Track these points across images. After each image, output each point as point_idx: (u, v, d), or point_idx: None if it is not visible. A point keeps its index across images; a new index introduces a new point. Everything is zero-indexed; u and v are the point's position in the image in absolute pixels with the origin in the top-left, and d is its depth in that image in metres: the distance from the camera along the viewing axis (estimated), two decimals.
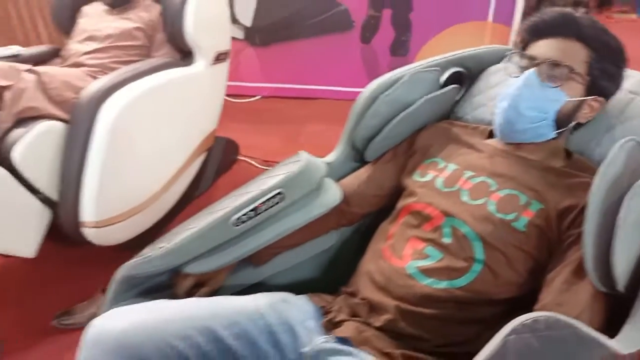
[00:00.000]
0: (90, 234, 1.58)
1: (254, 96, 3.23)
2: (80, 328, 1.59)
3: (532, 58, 0.93)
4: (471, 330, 0.87)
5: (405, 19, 2.89)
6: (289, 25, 3.05)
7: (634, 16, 5.16)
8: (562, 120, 0.92)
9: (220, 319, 0.83)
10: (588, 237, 0.75)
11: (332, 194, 1.06)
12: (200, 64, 1.95)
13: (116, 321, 0.79)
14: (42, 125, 1.48)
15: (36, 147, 1.46)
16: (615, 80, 0.94)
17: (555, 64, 0.90)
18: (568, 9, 0.92)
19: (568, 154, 0.98)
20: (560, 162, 0.95)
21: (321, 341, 0.86)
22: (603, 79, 0.92)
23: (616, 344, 0.67)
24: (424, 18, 2.87)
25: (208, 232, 0.95)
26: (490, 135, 1.05)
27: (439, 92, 1.10)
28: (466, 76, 1.19)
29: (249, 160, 2.56)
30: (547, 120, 0.91)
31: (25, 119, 1.50)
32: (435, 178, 0.99)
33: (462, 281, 0.87)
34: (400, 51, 2.99)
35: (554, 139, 0.94)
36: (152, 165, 1.79)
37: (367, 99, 1.12)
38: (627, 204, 0.72)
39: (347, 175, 1.16)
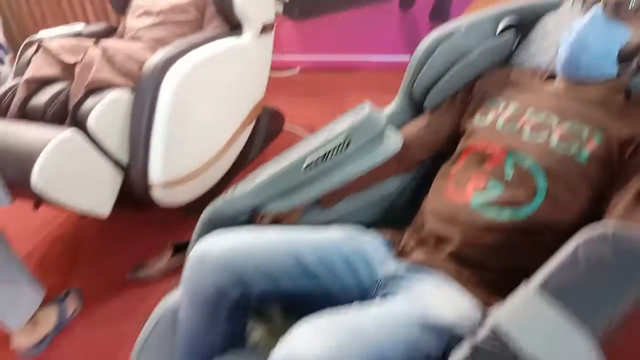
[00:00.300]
0: (158, 194, 1.70)
1: (292, 68, 3.30)
2: (152, 281, 1.74)
3: None
4: (533, 258, 0.91)
5: None
6: None
7: None
8: (625, 59, 0.95)
9: (306, 246, 0.91)
10: None
11: (394, 141, 1.12)
12: (249, 35, 2.03)
13: (219, 242, 0.89)
14: (112, 94, 1.59)
15: (108, 114, 1.57)
16: None
17: (620, 2, 0.93)
18: None
19: (627, 94, 1.00)
20: (621, 100, 0.98)
21: (394, 267, 0.93)
22: None
23: None
24: None
25: (281, 177, 1.03)
26: (548, 78, 1.08)
27: (495, 41, 1.14)
28: (522, 25, 1.22)
29: (294, 131, 2.64)
30: (611, 56, 0.95)
31: (94, 90, 1.62)
32: (497, 118, 1.03)
33: (524, 212, 0.92)
34: (440, 16, 2.98)
35: (615, 78, 0.97)
36: (210, 130, 1.89)
37: (426, 50, 1.17)
38: None
39: (405, 124, 1.21)
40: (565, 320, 0.65)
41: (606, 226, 0.72)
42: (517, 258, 0.91)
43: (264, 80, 2.26)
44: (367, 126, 1.07)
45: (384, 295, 0.89)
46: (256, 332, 0.96)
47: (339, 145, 1.05)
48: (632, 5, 0.92)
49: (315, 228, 0.98)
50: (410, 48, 3.13)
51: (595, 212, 0.91)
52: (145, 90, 1.62)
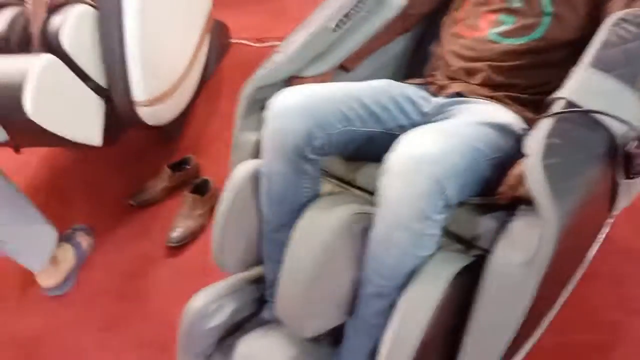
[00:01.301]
0: (144, 112, 1.65)
1: None
2: (154, 202, 1.74)
3: None
4: (548, 72, 1.06)
5: None
6: None
7: None
8: None
9: (363, 92, 0.99)
10: None
11: None
12: None
13: (297, 92, 0.93)
14: (76, 10, 1.48)
15: (78, 30, 1.47)
16: None
17: None
18: None
19: None
20: None
21: (439, 100, 1.04)
22: None
23: None
24: None
25: (315, 38, 1.07)
26: None
27: None
28: None
29: (243, 42, 2.59)
30: None
31: (54, 10, 1.49)
32: None
33: (536, 34, 1.05)
34: None
35: None
36: (176, 42, 1.83)
37: None
38: None
39: None
40: (618, 84, 0.79)
41: (624, 12, 0.86)
42: (537, 75, 1.06)
43: None
44: None
45: (440, 120, 1.00)
46: (326, 186, 1.04)
47: (358, 4, 1.10)
48: None
49: (361, 82, 1.05)
50: None
51: (592, 27, 1.04)
52: (108, 4, 1.53)
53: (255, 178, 1.00)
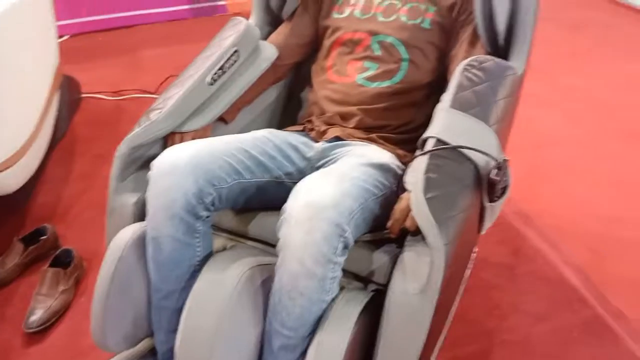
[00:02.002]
0: None
1: (62, 36, 2.94)
2: (6, 283, 1.51)
3: None
4: (412, 112, 1.18)
5: None
6: None
7: None
8: None
9: (247, 144, 0.99)
10: (477, 9, 1.09)
11: (270, 49, 1.24)
12: None
13: (183, 150, 0.90)
14: None
15: None
16: None
17: None
18: None
19: None
20: None
21: (320, 145, 1.09)
22: None
23: (515, 66, 1.05)
24: None
25: (191, 94, 1.05)
26: None
27: None
28: None
29: (97, 96, 2.44)
30: None
31: None
32: (353, 11, 1.24)
33: (397, 77, 1.17)
34: None
35: None
36: (24, 100, 1.65)
37: None
38: None
39: (266, 39, 1.32)
40: (475, 121, 0.91)
41: (470, 60, 1.01)
42: (403, 115, 1.17)
43: (54, 42, 2.03)
44: (249, 37, 1.16)
45: (325, 165, 1.04)
46: (218, 242, 1.01)
47: (231, 57, 1.12)
48: None
49: (244, 134, 1.06)
50: None
51: (442, 70, 1.20)
52: None
53: (139, 243, 0.93)
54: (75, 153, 2.10)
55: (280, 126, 1.34)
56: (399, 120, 1.16)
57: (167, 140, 1.07)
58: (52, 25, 2.00)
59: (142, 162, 1.05)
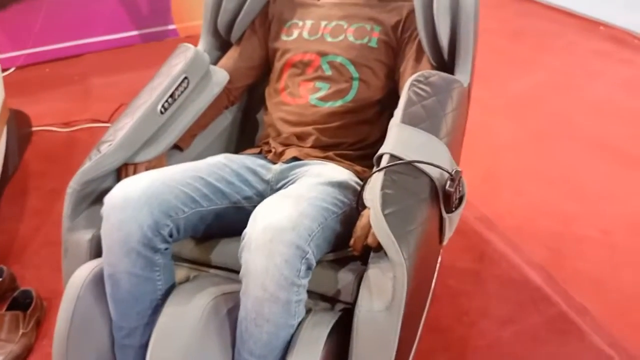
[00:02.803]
0: None
1: (7, 69, 2.84)
2: None
3: None
4: (366, 128, 1.20)
5: None
6: None
7: None
8: None
9: (203, 171, 0.98)
10: (420, 26, 1.13)
11: (221, 74, 1.23)
12: None
13: (134, 183, 0.88)
14: None
15: None
16: None
17: None
18: None
19: None
20: None
21: (277, 167, 1.08)
22: None
23: (461, 79, 1.08)
24: None
25: (142, 123, 1.03)
26: None
27: None
28: None
29: (48, 128, 2.36)
30: None
31: None
32: (301, 33, 1.25)
33: (349, 96, 1.19)
34: None
35: None
36: None
37: None
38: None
39: (216, 63, 1.32)
40: (427, 135, 0.93)
41: (416, 75, 1.03)
42: (357, 132, 1.19)
43: None
44: (198, 63, 1.15)
45: (284, 187, 1.03)
46: (180, 273, 0.98)
47: (180, 84, 1.11)
48: None
49: (200, 160, 1.04)
50: (136, 23, 3.08)
51: (392, 87, 1.22)
52: None
53: (97, 281, 0.90)
54: (28, 189, 2.02)
55: (237, 150, 1.33)
56: (354, 137, 1.17)
57: (120, 172, 1.05)
58: None
59: (95, 197, 1.02)
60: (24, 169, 2.14)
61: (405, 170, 0.87)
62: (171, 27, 3.17)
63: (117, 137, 1.00)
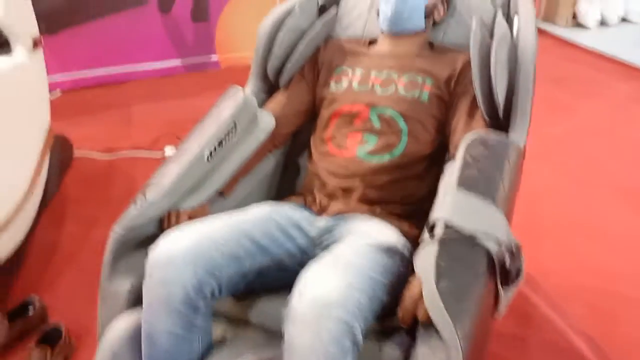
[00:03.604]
0: None
1: (54, 91, 2.92)
2: None
3: None
4: (414, 184, 1.16)
5: None
6: (74, 8, 2.84)
7: None
8: (427, 15, 1.25)
9: (250, 224, 0.95)
10: (476, 82, 1.09)
11: (268, 119, 1.22)
12: (20, 52, 1.77)
13: (180, 238, 0.86)
14: None
15: None
16: None
17: None
18: None
19: (431, 45, 1.32)
20: (429, 49, 1.29)
21: (323, 222, 1.05)
22: None
23: (517, 139, 1.04)
24: None
25: (190, 170, 1.02)
26: (370, 44, 1.33)
27: (330, 16, 1.34)
28: (327, 3, 1.43)
29: (88, 154, 2.40)
30: (420, 11, 1.23)
31: None
32: (351, 82, 1.23)
33: (398, 150, 1.15)
34: (202, 16, 3.08)
35: (422, 31, 1.27)
36: (11, 167, 1.60)
37: (269, 34, 1.29)
38: (493, 53, 1.08)
39: (262, 106, 1.31)
40: (484, 201, 0.88)
41: (473, 135, 0.99)
42: (405, 187, 1.14)
43: (47, 103, 2.00)
44: (247, 108, 1.14)
45: (326, 247, 1.00)
46: (217, 330, 0.95)
47: (230, 131, 1.09)
48: None
49: (246, 211, 1.02)
50: (180, 51, 3.15)
51: (442, 141, 1.19)
52: None
53: (134, 336, 0.87)
54: (65, 216, 2.04)
55: (279, 195, 1.31)
56: (401, 193, 1.13)
57: (163, 220, 1.03)
58: (44, 88, 1.98)
59: (136, 243, 1.00)
60: (63, 194, 2.16)
61: (461, 241, 0.82)
62: (214, 57, 3.22)
63: (163, 183, 0.99)
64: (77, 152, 2.40)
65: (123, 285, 0.95)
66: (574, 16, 3.95)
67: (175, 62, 3.16)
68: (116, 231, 0.95)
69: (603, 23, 3.92)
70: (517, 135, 1.08)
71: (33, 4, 2.04)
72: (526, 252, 1.71)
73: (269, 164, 1.30)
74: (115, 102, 2.90)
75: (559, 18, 3.98)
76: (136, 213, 0.95)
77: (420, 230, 1.08)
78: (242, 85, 1.42)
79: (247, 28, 3.09)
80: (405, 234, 1.05)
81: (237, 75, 3.05)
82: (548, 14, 4.06)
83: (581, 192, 2.09)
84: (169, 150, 2.34)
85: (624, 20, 3.94)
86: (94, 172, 2.32)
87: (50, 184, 2.06)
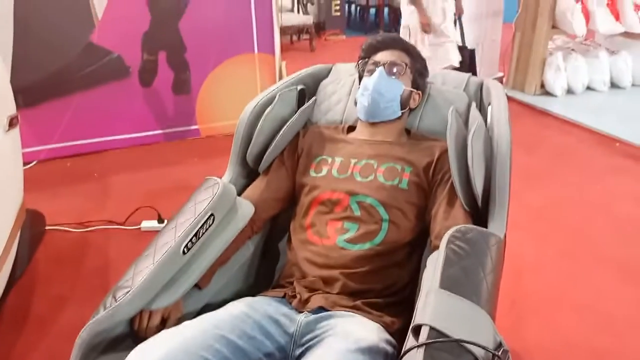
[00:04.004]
0: None
1: (29, 162, 2.87)
2: None
3: (376, 62, 1.28)
4: (395, 272, 1.14)
5: (181, 59, 3.05)
6: (56, 81, 2.87)
7: (343, 37, 6.43)
8: (403, 105, 1.29)
9: (225, 327, 0.91)
10: (454, 173, 1.10)
11: (247, 207, 1.20)
12: None
13: (152, 354, 0.81)
14: None
15: None
16: (424, 78, 1.36)
17: (394, 64, 1.28)
18: (394, 34, 1.33)
19: (407, 131, 1.35)
20: (406, 137, 1.32)
21: (302, 318, 1.01)
22: (419, 77, 1.33)
23: (496, 231, 1.04)
24: (198, 56, 3.07)
25: (164, 267, 0.98)
26: (349, 130, 1.35)
27: (307, 104, 1.36)
28: (307, 91, 1.47)
29: (60, 228, 2.33)
30: (396, 102, 1.27)
31: None
32: (330, 170, 1.23)
33: (378, 239, 1.14)
34: (183, 89, 3.13)
35: (398, 118, 1.30)
36: None
37: (249, 120, 1.30)
38: (470, 145, 1.10)
39: (242, 191, 1.30)
40: (468, 303, 0.87)
41: (454, 231, 0.99)
42: (385, 277, 1.13)
43: (21, 180, 1.96)
44: (224, 199, 1.12)
45: (308, 348, 0.96)
46: None
47: (206, 222, 1.07)
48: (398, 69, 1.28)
49: (220, 311, 0.99)
50: (161, 123, 3.17)
51: (422, 228, 1.19)
52: None
53: None
54: (33, 294, 1.95)
55: (258, 282, 1.27)
56: (383, 282, 1.11)
57: (135, 318, 0.98)
58: (18, 165, 1.95)
59: (105, 346, 0.94)
60: (32, 271, 2.08)
61: (447, 348, 0.79)
62: (194, 127, 3.25)
63: (135, 283, 0.94)
64: (50, 226, 2.33)
65: None
66: (542, 85, 4.14)
67: (155, 132, 3.17)
68: (82, 337, 0.90)
69: (569, 91, 4.12)
70: (497, 225, 1.09)
71: (13, 77, 2.05)
72: (511, 327, 1.70)
73: (248, 250, 1.27)
74: (93, 172, 2.86)
75: (527, 86, 4.17)
76: (104, 316, 0.90)
77: (402, 320, 1.06)
78: (222, 152, 1.41)
79: (227, 99, 3.16)
80: (387, 326, 1.03)
81: (217, 143, 3.09)
82: (517, 82, 4.25)
83: (565, 265, 2.09)
84: (146, 225, 2.30)
85: (588, 88, 4.14)
86: (65, 246, 2.24)
87: (19, 260, 1.98)
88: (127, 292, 0.93)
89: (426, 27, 3.23)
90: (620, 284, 1.97)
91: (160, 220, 2.28)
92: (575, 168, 2.98)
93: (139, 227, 2.31)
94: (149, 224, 2.29)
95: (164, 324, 1.00)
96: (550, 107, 3.83)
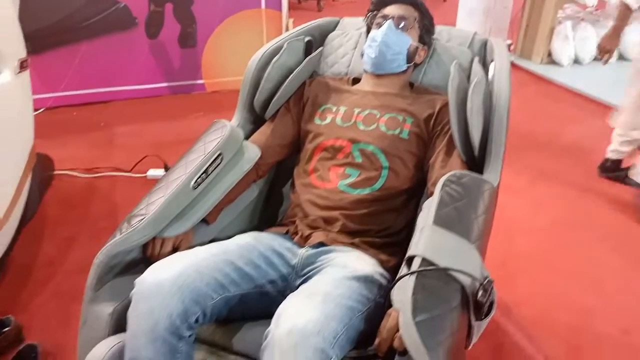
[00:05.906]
0: None
1: (37, 110, 2.90)
2: None
3: (385, 16, 1.31)
4: (392, 217, 1.20)
5: (188, 12, 3.04)
6: (62, 29, 2.87)
7: None
8: (409, 59, 1.32)
9: (233, 254, 0.98)
10: (453, 124, 1.15)
11: (253, 150, 1.25)
12: (7, 74, 1.79)
13: (168, 269, 0.88)
14: None
15: None
16: (431, 34, 1.39)
17: (402, 18, 1.30)
18: None
19: (411, 84, 1.38)
20: (409, 89, 1.35)
21: (304, 252, 1.08)
22: (426, 32, 1.36)
23: (491, 179, 1.09)
24: (205, 9, 3.06)
25: (175, 199, 1.04)
26: (354, 82, 1.39)
27: (314, 54, 1.39)
28: (314, 43, 1.50)
29: (69, 173, 2.39)
30: (402, 55, 1.31)
31: None
32: (334, 118, 1.28)
33: (378, 184, 1.20)
34: (189, 42, 3.13)
35: (403, 72, 1.34)
36: None
37: (258, 67, 1.33)
38: (470, 98, 1.14)
39: (249, 137, 1.35)
40: (460, 239, 0.93)
41: (449, 175, 1.04)
42: (383, 220, 1.19)
43: (31, 123, 2.01)
44: (232, 141, 1.18)
45: (308, 278, 1.03)
46: (198, 354, 0.96)
47: (215, 161, 1.13)
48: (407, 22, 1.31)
49: (230, 240, 1.05)
50: (166, 76, 3.18)
51: (420, 177, 1.24)
52: None
53: None
54: (43, 236, 2.03)
55: (262, 224, 1.34)
56: (380, 225, 1.18)
57: (147, 246, 1.05)
58: (29, 108, 1.99)
59: (119, 269, 1.02)
60: (41, 214, 2.15)
61: (436, 275, 0.86)
62: (199, 81, 3.26)
63: (149, 211, 1.01)
64: (58, 171, 2.39)
65: (105, 310, 0.96)
66: (549, 54, 4.12)
67: (160, 85, 3.19)
68: (99, 257, 0.97)
69: (576, 61, 4.11)
70: (491, 175, 1.14)
71: (21, 24, 2.06)
72: (501, 282, 1.77)
73: (253, 193, 1.33)
74: (99, 122, 2.91)
75: (534, 55, 4.16)
76: (120, 240, 0.97)
77: (397, 259, 1.13)
78: (228, 108, 1.45)
79: (233, 54, 3.17)
80: (382, 263, 1.10)
81: (222, 99, 3.12)
82: (524, 51, 4.24)
83: (557, 232, 2.14)
84: (152, 173, 2.36)
85: (596, 59, 4.13)
86: (73, 191, 2.31)
87: (30, 203, 2.05)
88: (142, 220, 0.99)
89: None
90: (610, 251, 2.03)
91: (167, 169, 2.34)
92: (576, 136, 3.02)
93: (145, 175, 2.36)
94: (156, 172, 2.35)
95: (174, 253, 1.07)
96: (556, 77, 3.83)
